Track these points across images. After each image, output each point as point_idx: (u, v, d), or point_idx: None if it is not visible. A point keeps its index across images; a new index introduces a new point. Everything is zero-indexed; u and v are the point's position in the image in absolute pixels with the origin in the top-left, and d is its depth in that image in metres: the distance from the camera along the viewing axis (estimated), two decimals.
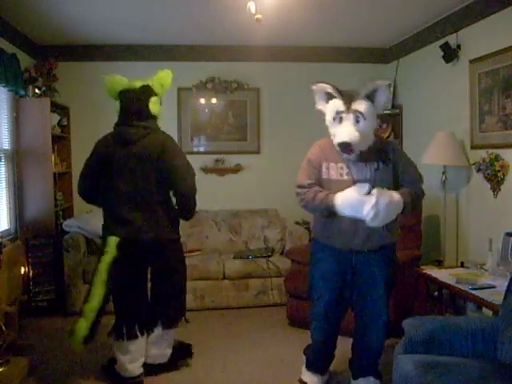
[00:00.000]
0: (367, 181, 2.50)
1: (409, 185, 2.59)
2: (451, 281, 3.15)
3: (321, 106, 2.63)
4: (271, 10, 3.41)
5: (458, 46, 4.00)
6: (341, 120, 2.50)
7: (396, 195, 2.44)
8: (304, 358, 2.97)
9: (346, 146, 2.44)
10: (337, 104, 2.52)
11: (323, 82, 2.59)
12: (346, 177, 2.56)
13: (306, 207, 2.65)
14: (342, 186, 2.51)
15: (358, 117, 2.46)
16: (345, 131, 2.44)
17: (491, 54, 3.58)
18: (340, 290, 2.70)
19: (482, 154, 3.70)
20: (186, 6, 3.86)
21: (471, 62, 3.84)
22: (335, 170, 2.59)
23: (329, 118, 2.57)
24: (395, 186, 2.58)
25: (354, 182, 2.51)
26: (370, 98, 2.50)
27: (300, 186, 2.64)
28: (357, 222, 2.50)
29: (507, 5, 3.39)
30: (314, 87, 2.63)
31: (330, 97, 2.58)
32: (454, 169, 4.03)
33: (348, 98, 2.50)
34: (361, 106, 2.47)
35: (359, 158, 2.55)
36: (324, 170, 2.62)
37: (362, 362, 2.81)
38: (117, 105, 3.01)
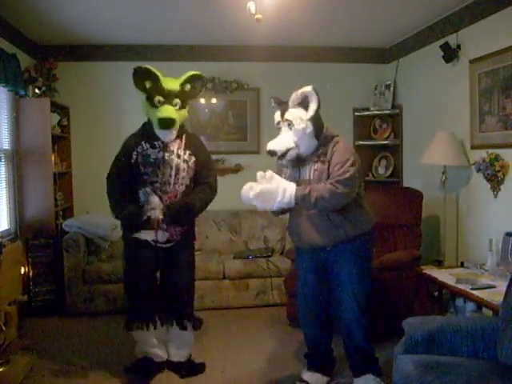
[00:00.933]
0: (307, 181, 2.67)
1: (334, 180, 2.57)
2: (451, 281, 3.15)
3: (276, 117, 2.82)
4: (271, 10, 3.41)
5: (458, 46, 4.00)
6: (280, 130, 2.72)
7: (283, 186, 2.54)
8: (305, 361, 3.01)
9: (271, 154, 2.66)
10: (276, 115, 2.77)
11: (273, 97, 2.87)
12: (294, 179, 2.70)
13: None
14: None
15: (289, 125, 2.66)
16: (273, 140, 2.67)
17: (491, 54, 3.58)
18: (317, 285, 2.82)
19: (482, 154, 3.70)
20: (186, 6, 3.86)
21: (471, 62, 3.84)
22: (289, 174, 2.76)
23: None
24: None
25: (299, 183, 2.65)
26: (303, 104, 2.64)
27: None
28: (310, 221, 2.67)
29: (507, 5, 3.39)
30: (271, 99, 2.88)
31: (275, 109, 2.80)
32: (454, 169, 4.03)
33: (283, 109, 2.71)
34: (289, 114, 2.66)
35: (294, 162, 2.71)
36: (282, 175, 2.76)
37: (354, 361, 2.84)
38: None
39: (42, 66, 4.62)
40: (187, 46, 5.09)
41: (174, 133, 2.92)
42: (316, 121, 2.67)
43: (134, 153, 2.92)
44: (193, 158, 2.97)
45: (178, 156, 2.93)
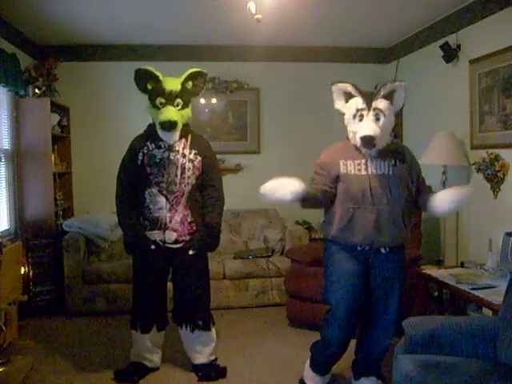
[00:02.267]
0: (385, 175, 2.56)
1: (425, 189, 2.70)
2: (451, 281, 3.15)
3: (339, 105, 2.68)
4: (271, 10, 3.41)
5: (458, 46, 4.00)
6: (361, 118, 2.56)
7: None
8: (310, 355, 2.91)
9: (369, 140, 2.48)
10: (357, 102, 2.58)
11: (342, 82, 2.64)
12: (363, 172, 2.58)
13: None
14: (360, 180, 2.56)
15: (378, 114, 2.53)
16: (367, 126, 2.50)
17: (491, 54, 3.58)
18: (357, 290, 2.64)
19: (482, 154, 3.70)
20: (186, 6, 3.86)
21: (471, 62, 3.84)
22: (353, 166, 2.60)
23: (348, 115, 2.61)
24: (410, 185, 2.63)
25: (371, 177, 2.55)
26: (388, 98, 2.57)
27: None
28: (379, 217, 2.53)
29: (507, 5, 3.39)
30: (333, 87, 2.67)
31: (348, 96, 2.64)
32: (454, 169, 4.03)
33: (368, 97, 2.57)
34: (381, 103, 2.54)
35: (378, 154, 2.59)
36: (342, 165, 2.61)
37: (367, 364, 2.80)
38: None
39: (42, 66, 4.61)
40: (187, 45, 5.09)
41: (177, 134, 2.91)
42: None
43: (140, 154, 2.92)
44: (198, 158, 2.96)
45: (184, 156, 2.92)
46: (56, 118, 4.68)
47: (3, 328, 3.07)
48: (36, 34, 4.56)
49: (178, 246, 2.94)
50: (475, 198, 3.81)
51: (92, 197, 5.04)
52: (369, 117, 2.53)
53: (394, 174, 2.57)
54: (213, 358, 3.13)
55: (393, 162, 2.60)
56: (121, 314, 4.05)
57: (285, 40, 4.95)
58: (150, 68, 2.90)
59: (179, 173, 2.89)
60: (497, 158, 3.56)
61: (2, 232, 4.00)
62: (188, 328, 3.03)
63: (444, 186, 4.07)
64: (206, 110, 5.28)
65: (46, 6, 3.77)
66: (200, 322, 3.02)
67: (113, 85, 5.05)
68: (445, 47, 4.06)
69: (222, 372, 3.09)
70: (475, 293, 2.89)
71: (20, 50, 4.38)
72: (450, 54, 4.04)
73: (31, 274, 4.19)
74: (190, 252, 2.93)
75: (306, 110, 5.35)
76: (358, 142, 2.55)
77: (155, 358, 3.12)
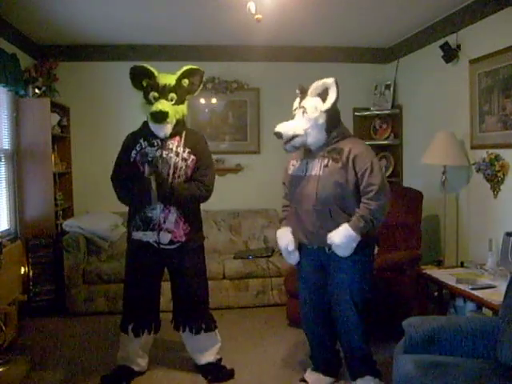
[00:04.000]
0: (315, 176, 2.64)
1: (367, 193, 2.56)
2: (451, 281, 3.15)
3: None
4: (271, 10, 3.41)
5: (458, 46, 4.00)
6: (295, 116, 2.74)
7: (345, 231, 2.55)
8: (311, 362, 3.00)
9: (277, 136, 2.66)
10: (295, 102, 2.80)
11: (299, 84, 2.81)
12: (302, 173, 2.73)
13: None
14: (298, 181, 2.74)
15: (303, 112, 2.67)
16: (282, 123, 2.67)
17: (491, 54, 3.57)
18: (316, 287, 2.80)
19: (482, 154, 3.70)
20: (186, 6, 3.86)
21: (471, 62, 3.84)
22: (297, 167, 2.79)
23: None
24: (357, 189, 2.59)
25: (306, 178, 2.68)
26: (322, 95, 2.66)
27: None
28: (311, 218, 2.64)
29: (507, 5, 3.39)
30: (297, 91, 2.84)
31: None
32: (454, 169, 4.03)
33: (303, 96, 2.73)
34: (306, 102, 2.68)
35: (314, 154, 2.69)
36: (291, 166, 2.84)
37: (352, 363, 2.82)
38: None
39: (42, 66, 4.61)
40: (187, 45, 5.08)
41: (168, 127, 2.84)
42: (332, 114, 2.66)
43: (133, 151, 2.89)
44: (192, 157, 2.89)
45: (177, 154, 2.86)
46: (56, 118, 4.68)
47: (3, 328, 3.07)
48: (36, 34, 4.56)
49: (174, 247, 2.88)
50: (475, 197, 3.86)
51: (92, 197, 5.04)
52: (297, 115, 2.72)
53: (324, 175, 2.61)
54: (218, 357, 3.13)
55: (325, 161, 2.63)
56: (121, 314, 4.04)
57: (285, 40, 4.95)
58: (145, 65, 2.89)
59: (171, 172, 2.83)
60: (497, 158, 3.55)
61: (2, 232, 4.00)
62: (192, 331, 3.00)
63: (444, 185, 4.07)
64: (206, 110, 5.28)
65: (46, 6, 3.77)
66: (203, 325, 3.01)
67: (113, 85, 5.05)
68: (445, 47, 4.06)
69: (230, 374, 3.08)
70: (475, 293, 2.89)
71: (20, 50, 4.38)
72: (450, 53, 4.03)
73: (31, 274, 4.20)
74: (167, 237, 2.83)
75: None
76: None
77: (143, 362, 3.08)
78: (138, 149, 2.89)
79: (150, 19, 4.22)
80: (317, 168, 2.65)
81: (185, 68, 2.93)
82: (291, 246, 2.75)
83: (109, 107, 5.11)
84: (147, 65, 2.91)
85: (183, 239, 2.88)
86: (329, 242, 2.58)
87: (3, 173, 4.18)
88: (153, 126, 2.86)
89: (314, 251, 2.73)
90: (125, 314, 3.05)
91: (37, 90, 4.46)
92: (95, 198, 5.01)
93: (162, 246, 2.87)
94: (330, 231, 2.58)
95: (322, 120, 2.64)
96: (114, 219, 4.71)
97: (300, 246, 2.81)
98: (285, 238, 2.78)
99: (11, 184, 4.30)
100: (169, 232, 2.84)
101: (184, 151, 2.88)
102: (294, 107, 2.76)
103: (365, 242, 2.60)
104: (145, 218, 2.85)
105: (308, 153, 2.74)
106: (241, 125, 5.31)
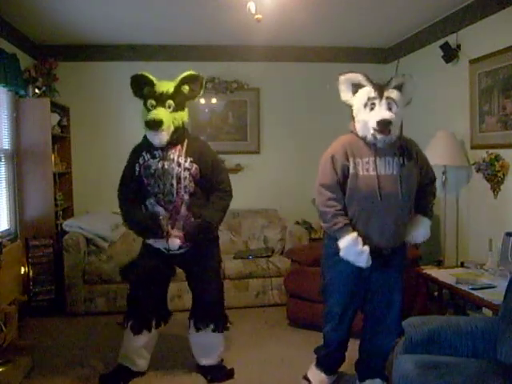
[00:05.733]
0: (395, 177, 2.50)
1: (429, 185, 2.73)
2: (451, 281, 3.15)
3: (346, 97, 2.63)
4: (271, 10, 3.41)
5: (458, 46, 4.00)
6: (373, 107, 2.49)
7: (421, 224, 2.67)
8: (315, 356, 2.95)
9: (386, 124, 2.41)
10: (368, 91, 2.52)
11: (352, 72, 2.64)
12: (372, 172, 2.50)
13: (320, 214, 2.60)
14: (368, 181, 2.49)
15: (390, 103, 2.48)
16: (383, 112, 2.44)
17: (491, 54, 3.58)
18: (357, 293, 2.67)
19: (482, 154, 3.71)
20: (186, 6, 3.86)
21: (471, 62, 3.84)
22: (361, 166, 2.52)
23: (358, 105, 2.55)
24: (417, 184, 2.62)
25: (381, 178, 2.49)
26: (399, 89, 2.54)
27: (324, 186, 2.56)
28: (386, 219, 2.50)
29: (507, 5, 3.39)
30: (341, 77, 2.63)
31: (356, 87, 2.59)
32: (454, 169, 4.03)
33: (379, 86, 2.52)
34: (393, 93, 2.50)
35: (385, 151, 2.52)
36: (352, 165, 2.53)
37: (370, 365, 2.79)
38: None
39: (42, 66, 4.61)
40: (187, 45, 5.09)
41: (164, 134, 2.78)
42: None
43: (137, 165, 2.87)
44: (194, 166, 2.84)
45: (179, 164, 2.81)
46: (56, 117, 4.68)
47: (3, 328, 3.07)
48: (36, 34, 4.56)
49: (182, 251, 2.89)
50: (475, 197, 3.86)
51: (92, 197, 5.04)
52: (381, 105, 2.47)
53: (402, 176, 2.50)
54: (220, 359, 3.13)
55: (401, 160, 2.53)
56: (121, 314, 4.02)
57: (285, 40, 4.95)
58: (145, 73, 2.86)
59: (175, 182, 2.80)
60: (497, 158, 3.56)
61: (2, 232, 4.00)
62: (196, 329, 3.01)
63: (444, 185, 4.07)
64: (206, 110, 5.28)
65: (46, 6, 3.77)
66: (211, 324, 3.01)
67: (113, 85, 5.05)
68: (445, 47, 4.06)
69: (230, 374, 3.08)
70: (475, 293, 2.89)
71: (20, 50, 4.38)
72: (450, 54, 4.04)
73: (31, 274, 4.19)
74: (176, 243, 2.83)
75: (306, 110, 5.35)
76: (371, 130, 2.47)
77: (142, 363, 3.07)
78: (141, 162, 2.87)
79: (150, 19, 4.22)
80: (393, 166, 2.51)
81: (184, 74, 2.88)
82: (367, 248, 2.50)
83: (109, 107, 5.11)
84: (147, 72, 2.87)
85: (191, 244, 2.89)
86: (421, 239, 2.68)
87: (3, 173, 4.18)
88: (148, 134, 2.82)
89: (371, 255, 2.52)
90: (127, 310, 3.07)
91: (37, 90, 4.46)
92: (95, 198, 5.01)
93: (171, 252, 2.89)
94: (406, 228, 2.61)
95: (402, 117, 2.56)
96: (114, 219, 4.71)
97: (338, 256, 2.58)
98: (359, 243, 2.48)
99: (11, 184, 4.30)
100: (178, 238, 2.84)
101: (186, 161, 2.84)
102: (371, 96, 2.49)
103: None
104: (155, 232, 2.85)
105: (369, 150, 2.52)
106: (241, 125, 5.32)
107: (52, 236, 4.33)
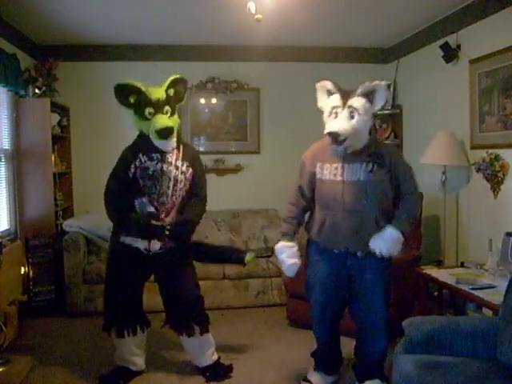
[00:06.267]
0: (361, 183, 2.54)
1: (406, 196, 2.62)
2: (451, 281, 3.15)
3: (321, 103, 2.67)
4: (271, 10, 3.41)
5: (458, 46, 4.00)
6: (336, 115, 2.54)
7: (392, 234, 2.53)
8: (313, 361, 2.99)
9: (334, 136, 2.47)
10: (333, 99, 2.57)
11: (325, 79, 2.64)
12: (339, 177, 2.58)
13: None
14: (334, 186, 2.58)
15: (352, 112, 2.50)
16: (334, 122, 2.50)
17: (491, 54, 3.58)
18: (335, 292, 2.72)
19: (482, 154, 3.70)
20: (186, 6, 3.86)
21: (471, 62, 3.84)
22: (329, 171, 2.62)
23: (325, 113, 2.61)
24: (394, 192, 2.61)
25: (346, 183, 2.56)
26: (369, 96, 2.52)
27: (292, 189, 2.80)
28: (352, 223, 2.56)
29: (507, 5, 3.39)
30: (317, 84, 2.67)
31: (329, 94, 2.63)
32: (454, 169, 4.03)
33: (345, 94, 2.54)
34: (356, 102, 2.50)
35: (354, 157, 2.56)
36: (318, 169, 2.66)
37: (366, 366, 2.80)
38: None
39: (42, 66, 4.61)
40: (187, 45, 5.09)
41: (174, 140, 2.88)
42: (372, 118, 2.59)
43: (132, 166, 2.87)
44: (190, 170, 2.92)
45: (177, 167, 2.87)
46: (56, 117, 4.68)
47: (3, 328, 3.07)
48: (36, 34, 4.56)
49: (162, 251, 2.90)
50: (475, 197, 3.86)
51: (92, 197, 5.01)
52: (342, 114, 2.51)
53: (371, 181, 2.54)
54: (216, 357, 3.13)
55: (370, 166, 2.55)
56: None
57: (285, 40, 4.95)
58: (129, 81, 2.84)
59: (171, 185, 2.85)
60: (497, 158, 3.55)
61: (2, 232, 4.00)
62: (185, 334, 3.00)
63: (444, 185, 4.07)
64: (206, 110, 5.28)
65: (46, 6, 3.77)
66: (196, 328, 2.99)
67: (113, 85, 5.02)
68: (445, 47, 4.06)
69: (228, 369, 3.09)
70: (475, 293, 2.88)
71: (20, 50, 4.38)
72: (450, 53, 4.04)
73: (31, 274, 4.19)
74: (157, 245, 2.86)
75: (306, 110, 5.30)
76: (327, 139, 2.54)
77: (139, 361, 3.07)
78: (137, 164, 2.87)
79: (150, 19, 4.22)
80: (360, 173, 2.55)
81: (170, 79, 2.93)
82: (296, 266, 2.70)
83: (109, 107, 5.07)
84: (131, 80, 2.85)
85: (172, 244, 2.90)
86: (373, 246, 2.52)
87: (3, 173, 4.18)
88: (159, 143, 2.84)
89: (341, 255, 2.64)
90: (106, 315, 3.05)
91: (37, 90, 4.47)
92: (95, 198, 4.96)
93: (151, 253, 2.89)
94: (371, 235, 2.54)
95: (370, 123, 2.55)
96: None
97: (317, 254, 2.76)
98: (292, 256, 2.70)
99: (11, 184, 4.30)
100: (160, 241, 2.86)
101: (183, 164, 2.91)
102: (335, 104, 2.54)
103: None
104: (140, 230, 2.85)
105: (338, 156, 2.58)
106: (241, 125, 5.32)
107: (52, 236, 4.33)
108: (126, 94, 2.84)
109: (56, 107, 4.69)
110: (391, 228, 2.53)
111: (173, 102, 2.92)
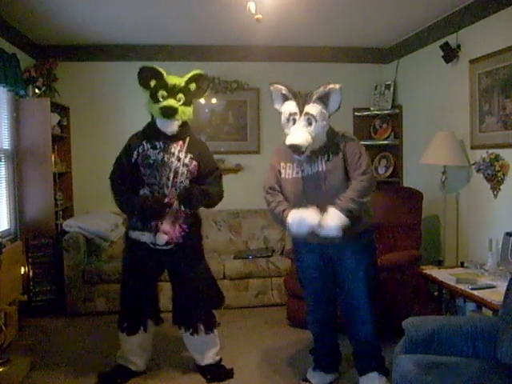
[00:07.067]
0: (319, 174, 2.60)
1: (356, 177, 2.58)
2: (451, 281, 3.15)
3: (277, 106, 2.72)
4: (271, 10, 3.41)
5: (458, 46, 4.00)
6: (294, 122, 2.58)
7: (335, 213, 2.47)
8: (312, 358, 3.00)
9: (295, 149, 2.52)
10: (290, 106, 2.60)
11: (278, 83, 2.67)
12: (299, 174, 2.66)
13: (270, 213, 2.80)
14: (296, 183, 2.66)
15: (309, 119, 2.54)
16: (295, 134, 2.53)
17: (491, 54, 3.58)
18: (323, 281, 2.81)
19: (482, 153, 3.70)
20: (186, 6, 3.86)
21: (471, 62, 3.84)
22: (291, 169, 2.70)
23: (283, 119, 2.65)
24: (347, 177, 2.62)
25: (305, 178, 2.62)
26: (323, 100, 2.56)
27: (265, 189, 2.79)
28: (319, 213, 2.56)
29: (507, 5, 3.39)
30: (271, 87, 2.71)
31: (285, 98, 2.66)
32: (454, 169, 4.03)
33: (301, 101, 2.57)
34: (313, 108, 2.54)
35: (309, 157, 2.62)
36: (282, 170, 2.74)
37: (361, 358, 2.83)
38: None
39: (42, 66, 4.61)
40: (187, 45, 5.09)
41: (176, 124, 2.85)
42: (329, 120, 2.63)
43: (135, 152, 2.88)
44: (194, 163, 2.90)
45: (178, 159, 2.87)
46: (56, 118, 4.68)
47: (3, 328, 3.07)
48: (36, 34, 4.55)
49: (169, 247, 2.88)
50: (475, 197, 3.86)
51: (92, 197, 5.03)
52: (300, 122, 2.55)
53: (328, 169, 2.59)
54: (218, 358, 3.12)
55: (326, 157, 2.61)
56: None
57: (285, 40, 4.95)
58: (154, 66, 2.88)
59: (171, 176, 2.84)
60: (497, 158, 3.55)
61: (2, 232, 4.00)
62: (189, 331, 3.00)
63: (444, 185, 4.07)
64: (206, 110, 5.27)
65: (46, 6, 3.77)
66: (201, 326, 2.99)
67: (113, 85, 5.05)
68: (445, 47, 4.06)
69: (229, 373, 3.08)
70: (475, 293, 2.89)
71: (20, 50, 4.38)
72: (450, 53, 4.03)
73: (31, 274, 4.20)
74: (164, 239, 2.85)
75: None
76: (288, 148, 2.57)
77: (140, 362, 3.07)
78: (140, 151, 2.88)
79: (150, 19, 4.22)
80: (318, 165, 2.61)
81: (193, 72, 2.94)
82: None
83: (109, 107, 5.11)
84: (156, 66, 2.90)
85: (180, 240, 2.89)
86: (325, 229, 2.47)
87: (3, 173, 4.18)
88: (161, 122, 2.85)
89: (321, 247, 2.70)
90: (121, 312, 3.06)
91: (37, 90, 4.47)
92: (95, 198, 5.01)
93: (157, 247, 2.88)
94: (353, 222, 2.54)
95: (327, 126, 2.61)
96: (114, 219, 4.71)
97: (299, 248, 2.85)
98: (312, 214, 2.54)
99: (11, 184, 4.30)
100: (165, 233, 2.85)
101: (186, 156, 2.89)
102: (292, 111, 2.58)
103: (363, 225, 2.66)
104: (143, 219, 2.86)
105: (296, 155, 2.61)
106: (241, 125, 5.32)
107: (52, 236, 4.33)
108: (148, 76, 2.87)
109: (56, 107, 4.70)
110: (333, 209, 2.49)
111: (190, 94, 2.93)
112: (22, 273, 3.89)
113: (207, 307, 3.06)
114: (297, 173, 2.68)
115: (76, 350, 3.51)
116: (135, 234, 2.91)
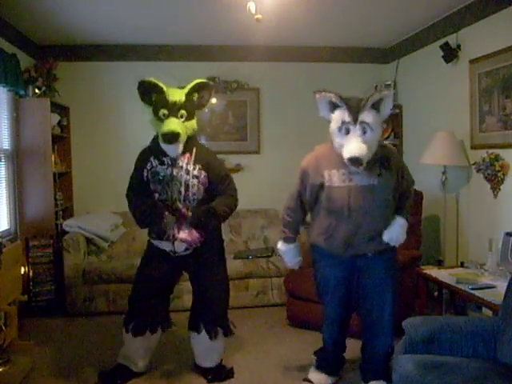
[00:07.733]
0: (370, 186, 2.54)
1: (405, 190, 2.71)
2: (451, 281, 3.15)
3: (324, 113, 2.62)
4: (271, 10, 3.41)
5: (458, 46, 4.00)
6: (347, 131, 2.49)
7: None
8: (314, 359, 3.00)
9: (356, 161, 2.42)
10: (343, 114, 2.50)
11: (326, 90, 2.56)
12: (347, 183, 2.56)
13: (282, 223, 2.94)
14: (344, 192, 2.56)
15: (364, 128, 2.46)
16: (354, 146, 2.42)
17: (491, 54, 3.58)
18: (347, 294, 2.74)
19: (482, 153, 3.70)
20: (186, 6, 3.86)
21: (471, 62, 3.84)
22: (337, 177, 2.58)
23: (334, 127, 2.55)
24: (394, 190, 2.63)
25: (354, 188, 2.54)
26: (375, 106, 2.49)
27: (290, 194, 2.84)
28: (360, 228, 2.56)
29: (507, 5, 3.39)
30: (317, 96, 2.58)
31: (334, 105, 2.56)
32: (454, 169, 4.03)
33: (354, 109, 2.47)
34: (368, 117, 2.46)
35: (340, 162, 2.56)
36: (326, 177, 2.60)
37: (372, 366, 2.81)
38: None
39: (42, 66, 4.61)
40: (187, 45, 5.08)
41: (180, 146, 2.79)
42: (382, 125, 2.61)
43: (145, 171, 2.85)
44: (203, 173, 2.84)
45: (187, 172, 2.81)
46: (56, 117, 4.68)
47: (3, 328, 3.07)
48: (36, 33, 4.56)
49: (189, 252, 2.88)
50: (475, 197, 3.86)
51: (92, 197, 5.04)
52: (355, 131, 2.45)
53: (379, 186, 2.55)
54: (219, 360, 3.13)
55: (378, 170, 2.55)
56: (121, 314, 3.99)
57: (285, 40, 4.95)
58: (153, 79, 2.79)
59: (183, 190, 2.80)
60: (497, 158, 3.55)
61: (2, 232, 4.00)
62: (208, 334, 2.98)
63: (444, 185, 4.07)
64: (206, 110, 5.25)
65: (46, 6, 3.77)
66: (220, 329, 3.00)
67: (113, 85, 5.05)
68: (445, 47, 4.06)
69: (229, 373, 3.09)
70: (475, 293, 2.89)
71: (20, 50, 4.38)
72: (450, 53, 4.04)
73: (31, 274, 4.20)
74: (182, 246, 2.84)
75: (306, 110, 5.32)
76: (346, 161, 2.47)
77: (141, 363, 3.06)
78: (148, 168, 2.86)
79: (150, 19, 4.22)
80: (368, 177, 2.54)
81: (194, 82, 2.88)
82: (300, 261, 2.91)
83: (109, 107, 5.11)
84: (155, 79, 2.81)
85: (198, 245, 2.87)
86: (386, 239, 2.60)
87: (3, 173, 4.18)
88: (165, 147, 2.80)
89: (350, 258, 2.65)
90: (128, 311, 3.06)
91: (37, 90, 4.47)
92: (95, 198, 5.02)
93: (177, 255, 2.88)
94: (381, 236, 2.60)
95: (381, 132, 2.58)
96: (114, 219, 4.71)
97: (323, 260, 2.77)
98: (296, 255, 2.89)
99: (11, 184, 4.29)
100: (183, 241, 2.83)
101: (194, 168, 2.84)
102: (345, 120, 2.47)
103: None
104: (158, 229, 2.84)
105: (354, 166, 2.51)
106: (241, 125, 5.31)
107: (52, 236, 4.33)
108: (147, 91, 2.80)
109: (56, 107, 4.69)
110: (399, 217, 2.64)
111: (192, 106, 2.87)
112: (22, 273, 3.89)
113: (224, 311, 3.05)
114: (343, 181, 2.57)
115: (76, 350, 3.51)
116: (156, 242, 2.93)
